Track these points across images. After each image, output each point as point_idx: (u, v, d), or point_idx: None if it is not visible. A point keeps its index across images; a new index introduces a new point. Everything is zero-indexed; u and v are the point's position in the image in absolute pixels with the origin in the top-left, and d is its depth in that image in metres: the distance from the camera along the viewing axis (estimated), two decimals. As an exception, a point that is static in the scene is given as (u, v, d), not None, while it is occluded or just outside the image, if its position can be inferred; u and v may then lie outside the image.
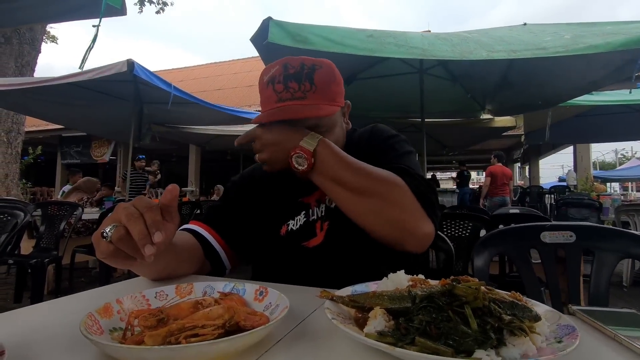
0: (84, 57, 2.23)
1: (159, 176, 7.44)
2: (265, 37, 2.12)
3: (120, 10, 2.38)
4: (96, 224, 3.74)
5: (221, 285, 0.57)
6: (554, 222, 1.08)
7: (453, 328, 0.36)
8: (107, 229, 0.51)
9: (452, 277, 0.45)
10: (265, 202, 0.93)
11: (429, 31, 3.14)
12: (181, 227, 0.92)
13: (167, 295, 0.54)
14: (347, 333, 0.39)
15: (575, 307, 0.54)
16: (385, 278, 0.55)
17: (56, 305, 0.62)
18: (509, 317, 0.38)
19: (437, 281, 0.49)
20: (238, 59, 14.73)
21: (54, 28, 10.76)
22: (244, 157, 8.37)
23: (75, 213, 3.27)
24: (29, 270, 2.90)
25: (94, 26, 2.24)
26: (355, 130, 0.99)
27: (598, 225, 1.35)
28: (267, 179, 0.96)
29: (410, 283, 0.50)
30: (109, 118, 5.41)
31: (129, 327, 0.42)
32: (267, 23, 2.17)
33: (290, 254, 0.85)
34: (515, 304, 0.40)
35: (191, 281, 0.74)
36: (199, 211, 4.34)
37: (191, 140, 8.81)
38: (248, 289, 0.56)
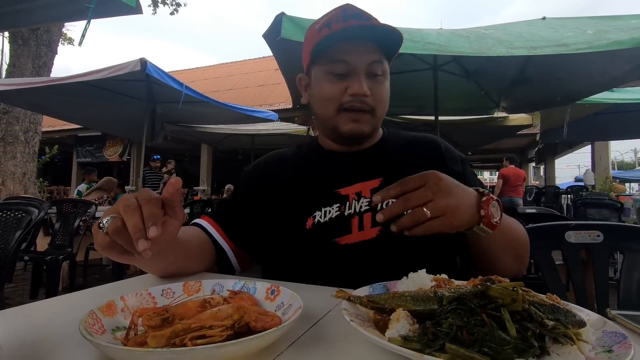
0: (83, 33, 2.21)
1: (174, 175, 7.53)
2: (278, 32, 2.09)
3: (135, 9, 2.39)
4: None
5: (231, 283, 0.54)
6: (579, 222, 1.03)
7: (489, 334, 0.32)
8: (105, 220, 0.49)
9: (480, 277, 0.41)
10: (287, 191, 0.85)
11: (442, 29, 3.07)
12: (191, 222, 0.88)
13: (175, 293, 0.51)
14: (367, 337, 0.36)
15: (615, 312, 0.49)
16: (405, 277, 0.51)
17: (62, 301, 0.60)
18: (552, 322, 0.34)
19: (462, 281, 0.45)
20: (249, 59, 14.79)
21: (70, 30, 10.97)
22: (255, 157, 8.40)
23: (89, 211, 3.31)
24: (44, 267, 2.94)
25: (87, 6, 2.21)
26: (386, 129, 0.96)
27: (628, 224, 1.28)
28: (290, 164, 0.91)
29: (434, 283, 0.46)
30: (122, 117, 5.47)
31: (133, 327, 0.39)
32: (280, 18, 2.14)
33: (316, 250, 0.78)
34: (557, 308, 0.36)
35: (201, 279, 0.71)
36: (210, 210, 4.36)
37: (203, 140, 8.86)
38: (259, 287, 0.53)
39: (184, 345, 0.33)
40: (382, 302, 0.42)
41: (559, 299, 0.39)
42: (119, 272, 3.49)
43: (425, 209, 0.55)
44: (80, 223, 3.30)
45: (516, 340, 0.32)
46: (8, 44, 6.94)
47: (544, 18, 2.91)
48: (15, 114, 6.59)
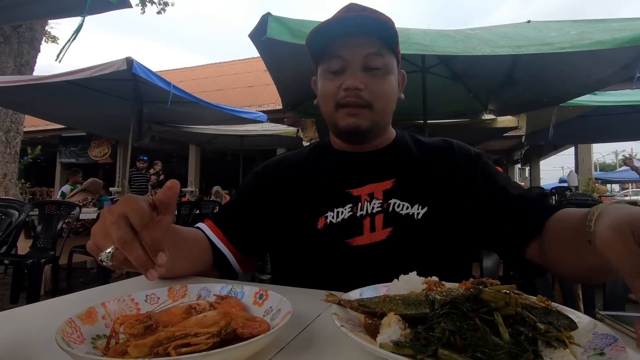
0: (63, 47, 2.09)
1: (162, 177, 7.44)
2: (264, 32, 2.08)
3: (121, 4, 2.32)
4: (94, 225, 3.69)
5: (218, 288, 0.53)
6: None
7: (482, 338, 0.32)
8: (104, 255, 0.46)
9: (471, 279, 0.41)
10: (299, 191, 0.84)
11: (429, 28, 3.10)
12: (194, 226, 0.86)
13: (159, 298, 0.49)
14: (358, 343, 0.35)
15: (603, 313, 0.49)
16: (395, 280, 0.50)
17: (42, 308, 0.57)
18: (545, 325, 0.33)
19: (454, 284, 0.44)
20: (239, 60, 14.70)
21: (54, 28, 10.75)
22: (244, 157, 8.34)
23: (72, 213, 3.23)
24: (26, 271, 2.85)
25: (82, 16, 2.15)
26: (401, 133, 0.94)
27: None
28: (302, 165, 0.89)
29: (426, 286, 0.45)
30: (108, 117, 5.37)
31: (114, 335, 0.37)
32: (266, 18, 2.13)
33: (328, 250, 0.76)
34: (549, 311, 0.35)
35: (197, 281, 0.70)
36: (198, 211, 4.29)
37: (191, 140, 8.76)
38: (247, 291, 0.51)
39: (168, 354, 0.31)
40: (373, 306, 0.41)
41: (550, 301, 0.38)
42: (104, 276, 3.41)
43: None
44: (64, 225, 3.21)
45: (509, 344, 0.31)
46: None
47: (528, 21, 2.96)
48: (-4, 113, 6.41)
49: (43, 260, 2.85)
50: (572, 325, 0.35)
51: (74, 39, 2.00)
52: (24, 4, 2.58)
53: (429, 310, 0.37)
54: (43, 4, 2.60)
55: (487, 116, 4.93)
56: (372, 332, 0.40)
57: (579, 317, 0.40)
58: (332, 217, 0.78)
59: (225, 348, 0.31)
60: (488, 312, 0.34)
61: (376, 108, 0.79)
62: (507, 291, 0.35)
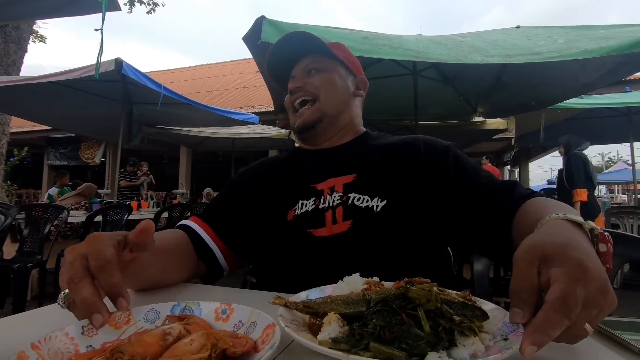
0: (97, 62, 2.28)
1: (151, 176, 7.37)
2: (259, 36, 2.07)
3: (103, 6, 2.30)
4: (82, 228, 3.63)
5: (168, 308, 0.47)
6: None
7: (406, 331, 0.36)
8: (59, 298, 0.45)
9: (405, 279, 0.44)
10: (274, 187, 0.90)
11: (421, 35, 3.14)
12: (178, 224, 0.88)
13: (94, 333, 0.42)
14: (300, 341, 0.38)
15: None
16: (340, 281, 0.53)
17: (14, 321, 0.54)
18: (459, 317, 0.38)
19: (390, 283, 0.48)
20: (230, 61, 14.63)
21: (42, 27, 10.57)
22: (236, 159, 8.28)
23: (60, 216, 3.17)
24: (12, 275, 2.79)
25: (96, 30, 2.19)
26: (373, 133, 1.00)
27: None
28: (278, 165, 0.96)
29: (365, 286, 0.49)
30: (97, 118, 5.30)
31: None
32: (260, 22, 2.12)
33: (296, 240, 0.80)
34: (465, 304, 0.41)
35: (180, 290, 0.68)
36: (189, 214, 4.25)
37: (182, 142, 8.68)
38: (204, 307, 0.47)
39: None
40: (316, 307, 0.45)
41: (470, 295, 0.43)
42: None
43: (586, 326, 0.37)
44: (52, 228, 3.15)
45: (429, 335, 0.36)
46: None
47: (518, 27, 3.01)
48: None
49: (30, 264, 2.79)
50: (485, 316, 0.40)
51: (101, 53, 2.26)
52: (11, 4, 2.54)
53: (365, 308, 0.40)
54: (32, 4, 2.56)
55: (477, 118, 4.99)
56: (315, 331, 0.43)
57: (496, 309, 0.45)
58: (298, 209, 0.82)
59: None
60: (413, 308, 0.38)
61: (322, 98, 0.89)
62: (430, 289, 0.39)
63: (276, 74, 1.00)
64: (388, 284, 0.48)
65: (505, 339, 0.39)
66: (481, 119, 5.02)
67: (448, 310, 0.39)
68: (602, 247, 0.44)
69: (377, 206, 0.77)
